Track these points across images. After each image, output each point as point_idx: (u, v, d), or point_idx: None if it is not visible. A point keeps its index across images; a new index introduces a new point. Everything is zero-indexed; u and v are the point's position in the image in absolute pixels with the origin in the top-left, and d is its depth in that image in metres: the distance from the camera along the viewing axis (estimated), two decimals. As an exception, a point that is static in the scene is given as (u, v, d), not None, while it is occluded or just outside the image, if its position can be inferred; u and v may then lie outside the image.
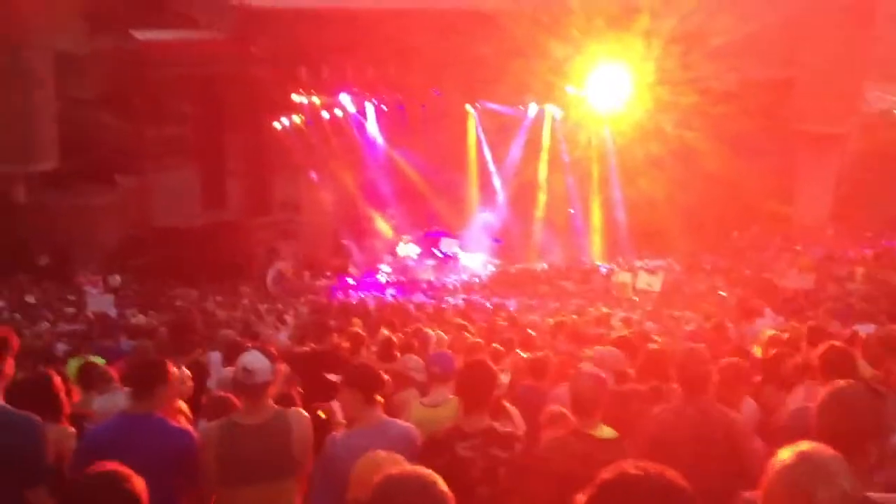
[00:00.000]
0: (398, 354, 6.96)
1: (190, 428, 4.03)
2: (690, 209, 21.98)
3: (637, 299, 17.74)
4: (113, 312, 16.38)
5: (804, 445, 2.25)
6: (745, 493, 2.61)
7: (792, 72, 24.03)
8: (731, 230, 22.82)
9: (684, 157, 21.99)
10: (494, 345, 7.80)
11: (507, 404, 5.08)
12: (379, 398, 4.07)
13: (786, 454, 2.23)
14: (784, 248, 19.88)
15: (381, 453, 3.15)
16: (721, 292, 14.98)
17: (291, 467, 4.00)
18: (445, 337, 9.38)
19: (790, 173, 23.58)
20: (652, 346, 6.26)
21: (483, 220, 25.89)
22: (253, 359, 3.97)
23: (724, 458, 3.97)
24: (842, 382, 2.86)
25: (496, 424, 4.01)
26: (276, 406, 4.09)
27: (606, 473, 1.91)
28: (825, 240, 20.75)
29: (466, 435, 3.88)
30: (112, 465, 2.40)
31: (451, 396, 4.58)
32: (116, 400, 6.21)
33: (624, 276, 20.37)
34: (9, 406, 3.66)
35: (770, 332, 7.57)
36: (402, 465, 2.64)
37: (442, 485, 2.14)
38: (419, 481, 2.13)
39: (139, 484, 2.37)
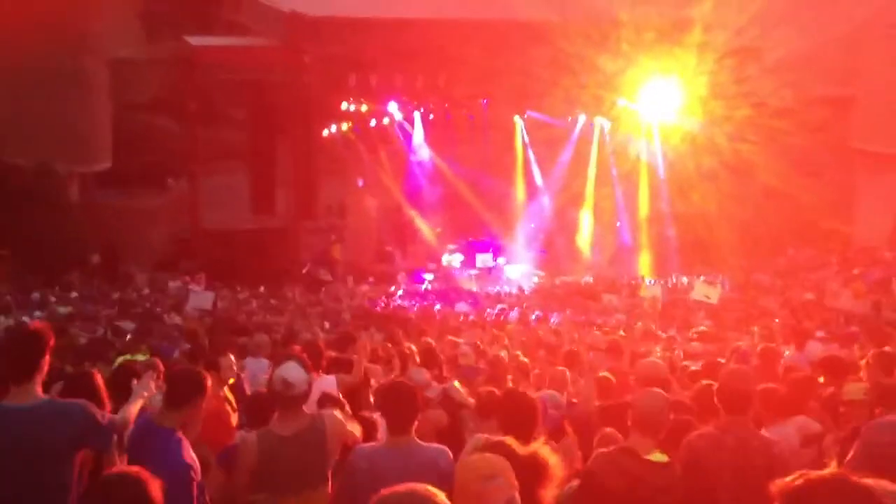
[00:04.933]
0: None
1: (194, 461, 3.84)
2: (744, 224, 21.47)
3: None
4: (208, 307, 16.52)
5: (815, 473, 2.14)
6: None
7: (852, 89, 23.35)
8: (787, 248, 22.19)
9: (739, 171, 21.49)
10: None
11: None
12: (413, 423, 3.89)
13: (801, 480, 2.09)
14: (841, 269, 19.25)
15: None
16: (776, 320, 14.54)
17: (328, 474, 4.04)
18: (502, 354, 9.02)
19: (849, 192, 22.87)
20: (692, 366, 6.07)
21: (528, 231, 25.67)
22: (291, 370, 3.98)
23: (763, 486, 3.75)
24: None
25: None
26: (309, 413, 4.11)
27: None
28: (883, 263, 20.07)
29: None
30: (134, 468, 2.55)
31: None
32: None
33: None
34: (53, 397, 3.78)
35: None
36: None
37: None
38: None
39: (156, 489, 2.48)
